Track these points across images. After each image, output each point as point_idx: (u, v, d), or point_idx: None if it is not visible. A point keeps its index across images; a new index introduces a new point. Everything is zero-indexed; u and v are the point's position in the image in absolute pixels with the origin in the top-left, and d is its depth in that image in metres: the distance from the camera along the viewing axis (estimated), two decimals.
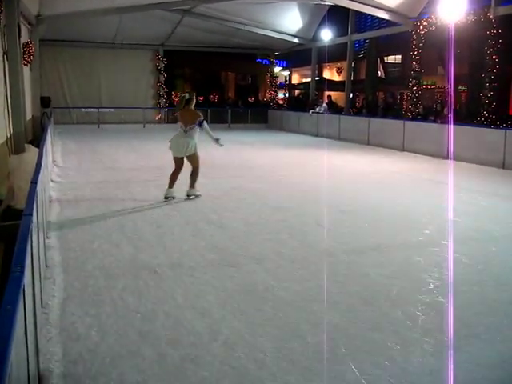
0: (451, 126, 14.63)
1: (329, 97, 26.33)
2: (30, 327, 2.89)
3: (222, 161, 13.63)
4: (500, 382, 3.53)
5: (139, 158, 14.23)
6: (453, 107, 16.56)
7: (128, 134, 22.17)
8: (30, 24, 17.63)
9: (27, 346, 2.63)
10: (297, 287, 4.99)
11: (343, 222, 7.57)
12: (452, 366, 3.59)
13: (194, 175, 9.00)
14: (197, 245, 6.33)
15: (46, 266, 5.33)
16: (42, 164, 6.52)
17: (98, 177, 11.10)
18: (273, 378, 3.44)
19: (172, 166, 9.03)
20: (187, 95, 9.00)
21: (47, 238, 6.26)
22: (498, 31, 15.34)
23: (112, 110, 26.10)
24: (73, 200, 8.78)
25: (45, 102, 21.14)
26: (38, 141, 12.45)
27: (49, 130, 11.84)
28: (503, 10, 15.27)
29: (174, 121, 26.66)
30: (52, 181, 10.16)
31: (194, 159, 8.92)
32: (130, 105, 26.21)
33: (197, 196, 9.03)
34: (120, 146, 17.55)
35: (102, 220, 7.49)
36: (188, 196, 8.98)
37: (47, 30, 21.10)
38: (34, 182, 4.99)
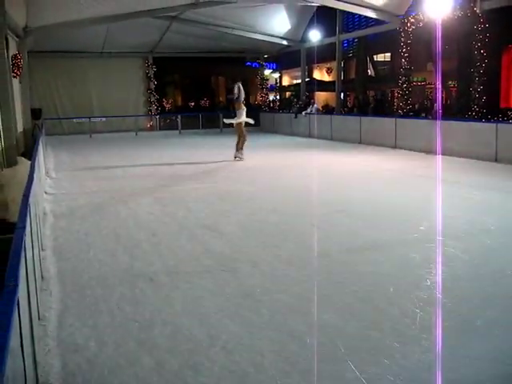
0: (438, 122, 14.65)
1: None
2: (27, 340, 2.88)
3: (215, 165, 13.68)
4: (499, 375, 3.52)
5: (132, 167, 14.20)
6: (443, 103, 16.60)
7: (120, 142, 22.15)
8: (17, 36, 17.60)
9: (24, 359, 2.62)
10: (294, 289, 4.99)
11: (338, 222, 7.58)
12: (451, 361, 3.59)
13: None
14: (192, 251, 6.33)
15: (42, 277, 5.32)
16: (35, 176, 6.50)
17: (92, 187, 11.07)
18: (272, 381, 3.44)
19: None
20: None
21: (42, 249, 6.25)
22: (484, 25, 15.43)
23: (103, 119, 26.06)
24: (67, 211, 8.76)
25: (36, 113, 21.06)
26: (30, 153, 12.41)
27: (40, 142, 11.80)
28: (489, 5, 15.36)
29: (166, 128, 26.85)
30: (46, 192, 10.13)
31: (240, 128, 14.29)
32: (121, 113, 26.17)
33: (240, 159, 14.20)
34: (112, 154, 17.52)
35: (97, 229, 7.47)
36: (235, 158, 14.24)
37: (35, 42, 21.08)
38: (26, 195, 4.97)
